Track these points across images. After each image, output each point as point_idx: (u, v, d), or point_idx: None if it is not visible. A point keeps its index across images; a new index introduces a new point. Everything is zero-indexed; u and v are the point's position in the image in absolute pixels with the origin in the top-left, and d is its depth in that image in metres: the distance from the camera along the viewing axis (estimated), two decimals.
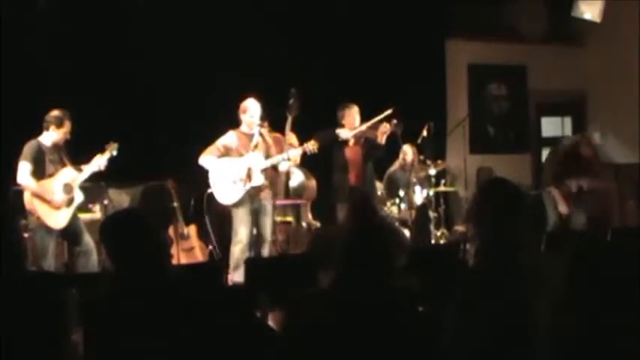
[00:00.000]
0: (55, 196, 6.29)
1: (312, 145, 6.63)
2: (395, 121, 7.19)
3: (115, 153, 6.59)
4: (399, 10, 9.11)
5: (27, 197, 6.23)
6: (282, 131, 7.25)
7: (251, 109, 6.58)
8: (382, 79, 8.79)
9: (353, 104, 7.23)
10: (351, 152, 7.21)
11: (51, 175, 6.35)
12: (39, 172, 6.29)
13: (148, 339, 2.82)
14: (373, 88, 8.26)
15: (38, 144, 6.31)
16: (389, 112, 7.07)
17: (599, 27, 8.99)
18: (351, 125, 7.18)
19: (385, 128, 7.04)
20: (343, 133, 7.11)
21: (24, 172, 6.22)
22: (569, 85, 10.27)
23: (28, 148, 6.29)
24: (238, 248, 6.43)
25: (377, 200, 7.58)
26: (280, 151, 6.78)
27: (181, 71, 8.12)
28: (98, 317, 2.90)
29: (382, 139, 7.08)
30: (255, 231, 6.60)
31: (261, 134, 6.63)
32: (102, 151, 6.59)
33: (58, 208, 6.32)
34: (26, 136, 6.49)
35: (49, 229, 6.26)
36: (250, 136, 6.59)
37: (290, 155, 6.68)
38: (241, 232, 6.48)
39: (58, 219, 6.32)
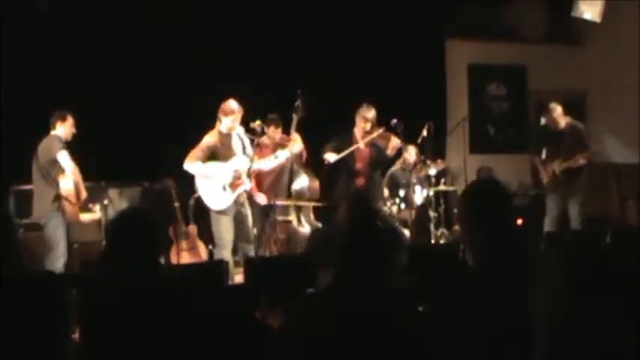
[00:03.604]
0: (84, 192, 6.48)
1: (297, 147, 6.82)
2: (395, 121, 7.19)
3: None
4: (399, 10, 9.11)
5: (70, 184, 6.27)
6: (287, 132, 7.26)
7: (235, 113, 6.49)
8: (382, 79, 8.79)
9: (370, 107, 7.19)
10: (361, 156, 7.21)
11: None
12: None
13: (147, 339, 2.83)
14: (373, 88, 8.25)
15: (57, 137, 6.37)
16: (381, 130, 7.10)
17: (599, 27, 8.98)
18: (359, 130, 7.19)
19: (395, 143, 7.09)
20: (329, 158, 7.10)
21: (67, 158, 6.29)
22: (569, 85, 10.26)
23: (54, 140, 6.36)
24: (227, 252, 6.43)
25: (382, 203, 7.60)
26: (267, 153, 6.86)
27: (182, 71, 8.12)
28: (97, 317, 2.90)
29: (391, 152, 7.14)
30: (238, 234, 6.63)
31: (239, 136, 6.60)
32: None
33: (80, 203, 6.49)
34: (26, 136, 6.50)
35: (64, 221, 6.32)
36: (228, 137, 6.56)
37: (278, 155, 6.75)
38: (226, 236, 6.47)
39: (79, 213, 6.49)
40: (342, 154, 7.10)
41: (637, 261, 2.97)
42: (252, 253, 6.57)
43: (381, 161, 7.31)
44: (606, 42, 9.80)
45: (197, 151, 6.47)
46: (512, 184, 9.19)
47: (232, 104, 6.52)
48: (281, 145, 7.16)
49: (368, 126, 7.15)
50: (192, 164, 6.46)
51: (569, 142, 7.65)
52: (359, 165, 7.22)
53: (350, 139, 7.20)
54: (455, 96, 10.13)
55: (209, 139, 6.52)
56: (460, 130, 9.04)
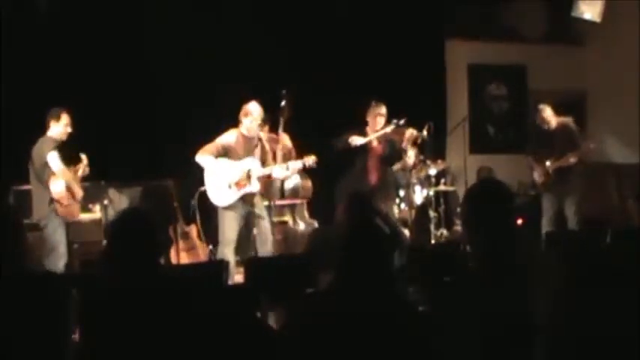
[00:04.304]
0: (79, 190, 6.46)
1: (311, 160, 6.66)
2: (402, 121, 7.18)
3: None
4: (399, 10, 9.11)
5: (60, 186, 6.26)
6: (275, 133, 7.27)
7: (254, 114, 6.53)
8: (382, 79, 8.79)
9: (380, 104, 7.21)
10: (374, 153, 7.21)
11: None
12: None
13: (147, 339, 2.83)
14: (373, 89, 8.25)
15: (52, 138, 6.37)
16: (401, 122, 7.10)
17: (599, 27, 8.99)
18: (373, 127, 7.19)
19: (410, 134, 7.07)
20: (356, 140, 7.10)
21: (57, 160, 6.27)
22: (569, 85, 10.27)
23: (46, 141, 6.34)
24: (229, 250, 6.43)
25: (392, 202, 7.60)
26: (274, 151, 6.83)
27: (182, 71, 8.12)
28: (97, 317, 2.90)
29: (407, 145, 7.12)
30: (254, 233, 6.61)
31: (259, 139, 6.61)
32: (80, 161, 6.66)
33: (78, 201, 6.48)
34: (26, 136, 6.50)
35: (63, 221, 6.32)
36: (250, 139, 6.57)
37: (290, 166, 6.69)
38: (229, 234, 6.47)
39: (77, 212, 6.51)
40: (368, 138, 7.09)
41: (637, 261, 2.97)
42: (267, 253, 6.52)
43: (394, 157, 7.29)
44: (606, 42, 9.80)
45: (211, 147, 6.49)
46: (512, 184, 9.20)
47: (250, 106, 6.54)
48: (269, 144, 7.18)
49: (382, 121, 7.16)
50: (204, 157, 6.48)
51: (561, 141, 7.70)
52: (372, 162, 7.21)
53: (364, 135, 7.20)
54: (455, 96, 10.12)
55: (227, 138, 6.54)
56: (460, 130, 9.05)
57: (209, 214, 7.10)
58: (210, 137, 6.63)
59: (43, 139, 6.37)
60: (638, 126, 9.21)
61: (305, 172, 7.71)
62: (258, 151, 6.57)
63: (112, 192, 7.51)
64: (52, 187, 6.25)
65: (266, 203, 7.15)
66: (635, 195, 9.15)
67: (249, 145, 6.54)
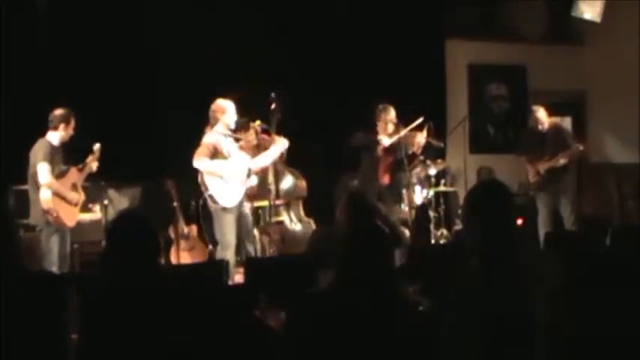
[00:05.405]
0: (74, 195, 6.41)
1: (283, 143, 6.72)
2: (418, 121, 7.18)
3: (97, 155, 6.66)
4: (399, 10, 9.10)
5: (47, 196, 6.22)
6: (268, 134, 7.29)
7: (229, 108, 6.57)
8: (382, 79, 8.78)
9: (389, 108, 7.22)
10: (387, 155, 7.21)
11: (62, 175, 6.39)
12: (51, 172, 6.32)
13: (147, 339, 2.83)
14: (373, 89, 8.26)
15: (49, 143, 6.32)
16: (420, 120, 7.11)
17: (599, 27, 8.99)
18: (384, 131, 7.20)
19: (420, 140, 7.09)
20: (383, 141, 7.10)
21: (45, 171, 6.22)
22: (569, 85, 10.26)
23: (41, 148, 6.28)
24: (230, 252, 6.43)
25: (400, 204, 7.63)
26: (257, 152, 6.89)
27: (182, 70, 8.12)
28: (97, 317, 2.90)
29: (417, 150, 7.14)
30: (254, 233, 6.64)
31: (230, 135, 6.62)
32: (91, 153, 6.63)
33: (75, 206, 6.45)
34: (26, 136, 6.49)
35: (57, 229, 6.30)
36: (226, 137, 6.59)
37: (271, 151, 6.73)
38: (229, 235, 6.48)
39: (74, 217, 6.46)
40: (395, 138, 7.09)
41: (637, 261, 2.97)
42: (252, 252, 6.56)
43: (406, 160, 7.31)
44: (606, 42, 9.79)
45: (204, 150, 6.51)
46: (513, 185, 9.20)
47: (223, 102, 6.60)
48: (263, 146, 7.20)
49: (391, 127, 7.17)
50: (201, 161, 6.49)
51: (553, 142, 7.79)
52: (384, 163, 7.22)
53: (375, 139, 7.20)
54: (455, 96, 10.12)
55: (211, 139, 6.55)
56: (460, 130, 9.05)
57: (209, 214, 7.10)
58: None
59: (41, 142, 6.30)
60: (638, 126, 9.20)
61: (299, 172, 7.73)
62: (236, 145, 6.61)
63: (112, 192, 7.51)
64: (40, 194, 6.23)
65: (265, 203, 7.16)
66: (635, 195, 9.15)
67: (228, 142, 6.58)
